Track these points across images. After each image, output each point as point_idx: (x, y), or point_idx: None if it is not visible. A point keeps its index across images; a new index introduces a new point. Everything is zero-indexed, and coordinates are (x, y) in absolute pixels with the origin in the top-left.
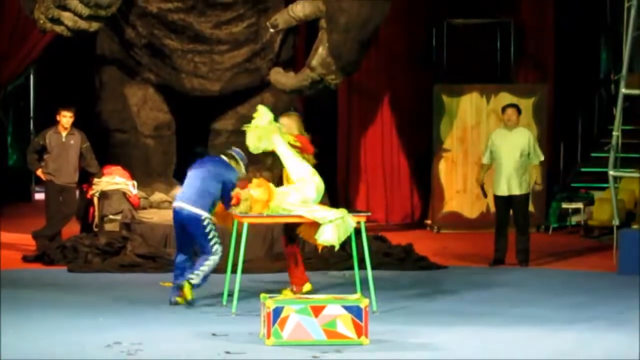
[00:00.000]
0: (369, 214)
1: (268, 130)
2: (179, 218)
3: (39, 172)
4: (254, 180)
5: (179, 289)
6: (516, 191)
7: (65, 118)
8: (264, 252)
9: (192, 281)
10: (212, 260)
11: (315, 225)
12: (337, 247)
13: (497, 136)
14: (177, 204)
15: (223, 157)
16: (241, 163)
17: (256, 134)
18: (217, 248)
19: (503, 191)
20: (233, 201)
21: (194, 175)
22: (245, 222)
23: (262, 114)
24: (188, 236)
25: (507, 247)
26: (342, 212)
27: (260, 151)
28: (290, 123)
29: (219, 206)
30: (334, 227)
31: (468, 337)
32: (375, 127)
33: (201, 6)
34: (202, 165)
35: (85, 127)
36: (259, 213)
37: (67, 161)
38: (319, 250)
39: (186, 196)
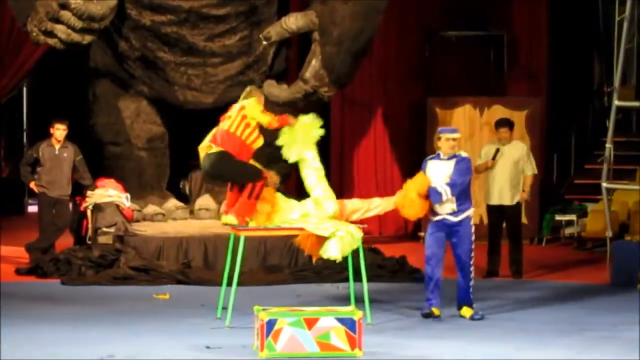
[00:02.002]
0: (365, 225)
1: (308, 141)
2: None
3: (32, 185)
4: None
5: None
6: (508, 201)
7: (59, 131)
8: (258, 265)
9: None
10: None
11: (313, 238)
12: (338, 260)
13: (490, 149)
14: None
15: None
16: None
17: (295, 138)
18: None
19: (495, 200)
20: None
21: None
22: (242, 235)
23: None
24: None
25: (500, 259)
26: (345, 223)
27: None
28: (260, 96)
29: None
30: (338, 240)
31: (462, 349)
32: (368, 139)
33: (194, 19)
34: None
35: (79, 140)
36: (259, 225)
37: (60, 174)
38: (313, 262)
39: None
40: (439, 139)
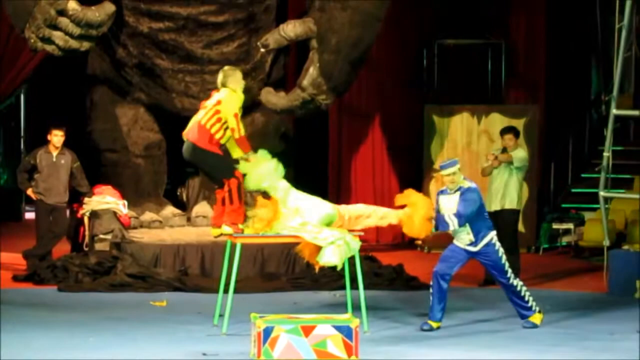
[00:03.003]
0: (362, 233)
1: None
2: None
3: (30, 192)
4: (259, 199)
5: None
6: (497, 207)
7: (57, 137)
8: (255, 272)
9: None
10: None
11: (313, 246)
12: (339, 268)
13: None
14: None
15: None
16: None
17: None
18: None
19: (489, 207)
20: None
21: None
22: (239, 242)
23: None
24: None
25: None
26: (343, 232)
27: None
28: (239, 76)
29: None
30: (335, 248)
31: (459, 357)
32: (366, 147)
33: (192, 26)
34: None
35: (76, 147)
36: (257, 232)
37: (57, 181)
38: (316, 271)
39: None
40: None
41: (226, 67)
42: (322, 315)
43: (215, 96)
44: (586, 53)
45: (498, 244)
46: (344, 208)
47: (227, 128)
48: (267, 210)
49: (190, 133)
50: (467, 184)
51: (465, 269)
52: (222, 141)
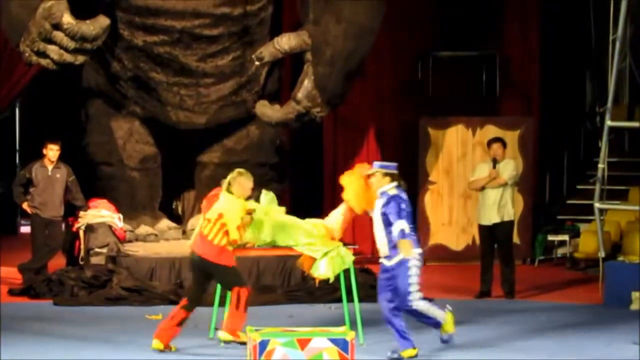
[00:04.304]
0: (356, 246)
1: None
2: None
3: (25, 206)
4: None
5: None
6: (496, 219)
7: (52, 151)
8: (251, 285)
9: None
10: None
11: (313, 260)
12: (331, 280)
13: (482, 169)
14: None
15: None
16: None
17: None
18: None
19: (485, 220)
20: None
21: None
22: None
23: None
24: None
25: (492, 280)
26: (337, 245)
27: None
28: (245, 182)
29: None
30: (328, 260)
31: None
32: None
33: (187, 39)
34: None
35: (71, 160)
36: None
37: (53, 194)
38: (316, 284)
39: None
40: None
41: (235, 171)
42: (317, 328)
43: (217, 205)
44: (581, 64)
45: (414, 269)
46: (327, 223)
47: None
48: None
49: (197, 246)
50: (393, 191)
51: (459, 280)
52: (230, 249)
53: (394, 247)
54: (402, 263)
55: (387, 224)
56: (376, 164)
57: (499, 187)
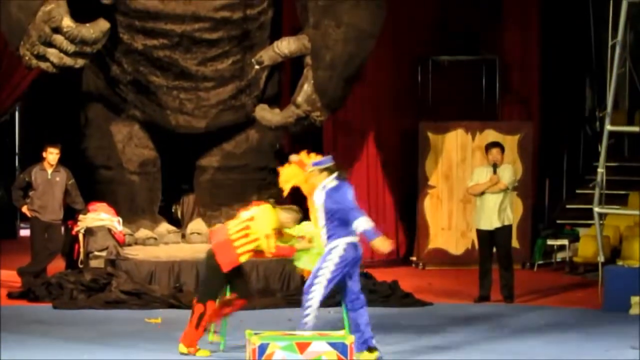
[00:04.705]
0: None
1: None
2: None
3: (24, 209)
4: None
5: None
6: (497, 224)
7: (52, 155)
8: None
9: None
10: None
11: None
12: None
13: (480, 173)
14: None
15: None
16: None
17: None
18: None
19: (485, 225)
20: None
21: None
22: None
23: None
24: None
25: (491, 284)
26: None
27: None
28: (290, 218)
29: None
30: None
31: None
32: (361, 163)
33: (187, 43)
34: None
35: (71, 164)
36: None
37: (52, 198)
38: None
39: None
40: None
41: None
42: (317, 332)
43: (251, 210)
44: (580, 69)
45: (337, 258)
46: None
47: (251, 247)
48: None
49: (217, 246)
50: (333, 183)
51: (459, 285)
52: (241, 260)
53: (330, 235)
54: (330, 251)
55: (330, 215)
56: (311, 162)
57: (499, 192)
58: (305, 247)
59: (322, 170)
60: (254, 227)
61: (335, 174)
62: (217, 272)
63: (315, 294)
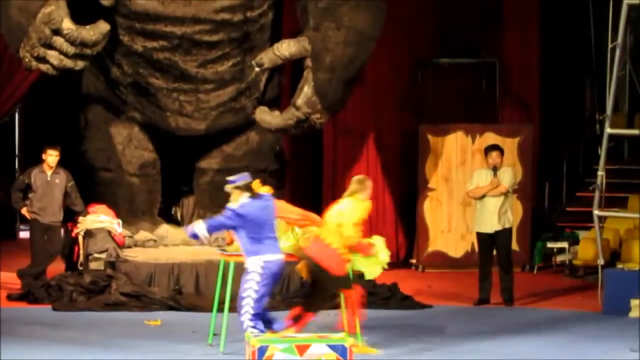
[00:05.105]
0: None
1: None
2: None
3: (24, 211)
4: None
5: None
6: (498, 227)
7: (51, 157)
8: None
9: None
10: None
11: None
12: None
13: (480, 176)
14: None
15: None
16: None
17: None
18: None
19: (486, 228)
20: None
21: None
22: (232, 261)
23: None
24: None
25: (491, 287)
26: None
27: None
28: (367, 188)
29: None
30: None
31: None
32: (361, 165)
33: (187, 45)
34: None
35: (71, 166)
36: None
37: (52, 200)
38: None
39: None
40: None
41: (356, 178)
42: (316, 334)
43: (339, 207)
44: (580, 72)
45: (251, 282)
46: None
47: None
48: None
49: (318, 254)
50: (238, 203)
51: (458, 287)
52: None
53: (246, 253)
54: (245, 271)
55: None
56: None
57: (500, 195)
58: (370, 254)
59: (235, 188)
60: (344, 221)
61: (248, 194)
62: (326, 280)
63: (245, 309)
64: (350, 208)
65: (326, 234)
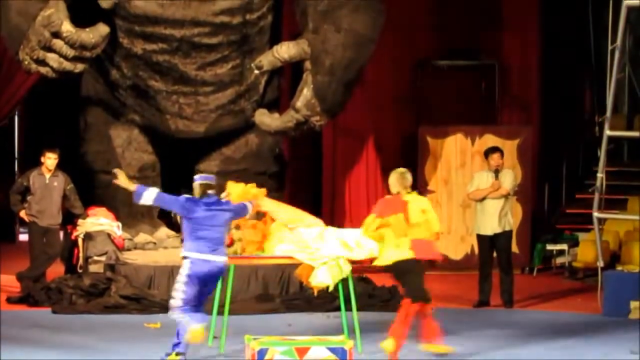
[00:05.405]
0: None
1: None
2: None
3: (22, 214)
4: (248, 222)
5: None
6: (498, 229)
7: (50, 160)
8: (249, 294)
9: None
10: None
11: (312, 269)
12: (330, 289)
13: (480, 178)
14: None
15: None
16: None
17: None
18: None
19: (486, 230)
20: (226, 242)
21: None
22: (232, 264)
23: None
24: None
25: (491, 289)
26: (335, 257)
27: None
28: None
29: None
30: (327, 268)
31: None
32: (360, 168)
33: (186, 47)
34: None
35: (70, 168)
36: (250, 254)
37: (50, 203)
38: (315, 294)
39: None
40: None
41: (399, 173)
42: (316, 337)
43: (419, 205)
44: (580, 74)
45: (180, 276)
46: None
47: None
48: (255, 232)
49: (422, 254)
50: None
51: (458, 289)
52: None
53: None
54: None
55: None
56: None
57: (500, 197)
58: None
59: (198, 186)
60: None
61: (201, 193)
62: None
63: (174, 301)
64: (426, 202)
65: (416, 233)
